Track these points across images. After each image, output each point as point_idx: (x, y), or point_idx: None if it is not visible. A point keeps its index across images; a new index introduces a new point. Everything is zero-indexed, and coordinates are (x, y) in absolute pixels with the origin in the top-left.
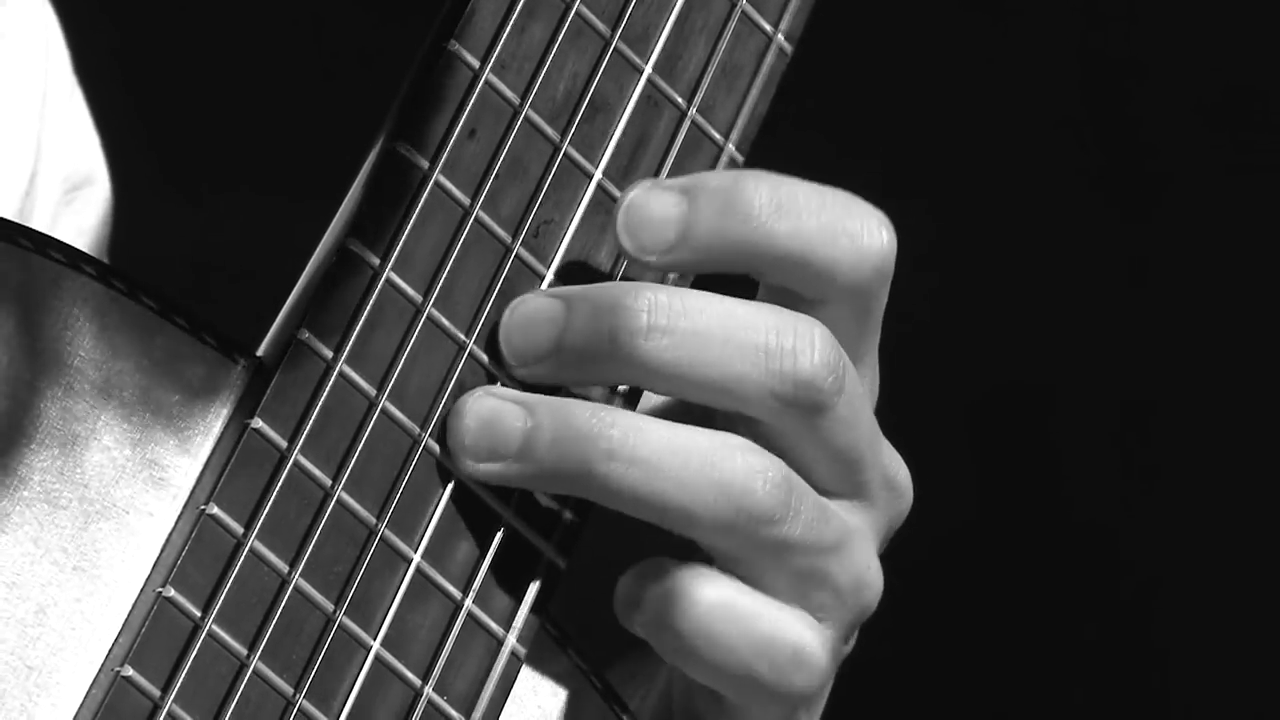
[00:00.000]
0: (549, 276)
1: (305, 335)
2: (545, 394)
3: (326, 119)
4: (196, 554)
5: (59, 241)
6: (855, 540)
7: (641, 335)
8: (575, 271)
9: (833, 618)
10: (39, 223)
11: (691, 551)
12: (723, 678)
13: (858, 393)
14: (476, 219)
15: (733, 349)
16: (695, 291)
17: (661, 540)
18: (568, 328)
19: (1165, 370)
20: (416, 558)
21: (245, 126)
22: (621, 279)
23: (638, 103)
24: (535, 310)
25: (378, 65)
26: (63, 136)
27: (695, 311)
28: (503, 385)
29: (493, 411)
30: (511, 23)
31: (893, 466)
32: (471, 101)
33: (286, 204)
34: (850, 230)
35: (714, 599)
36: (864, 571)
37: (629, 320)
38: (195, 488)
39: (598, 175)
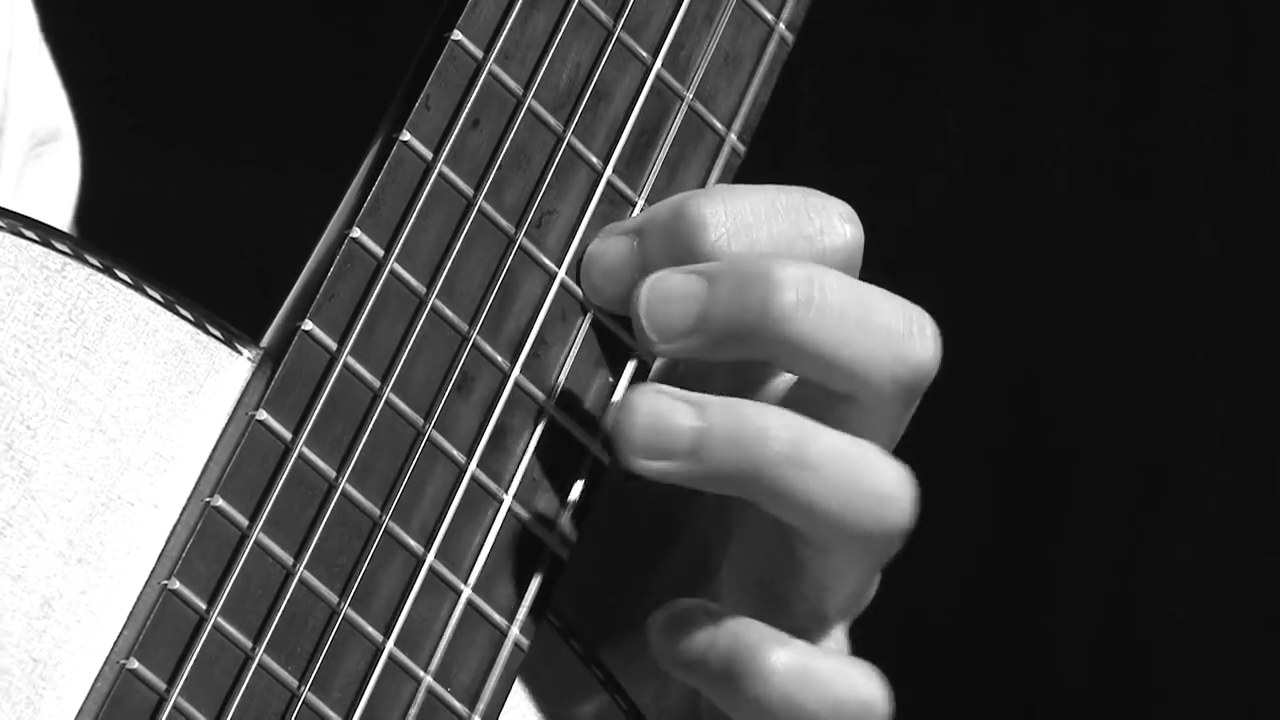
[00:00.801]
0: (556, 267)
1: (309, 326)
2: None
3: (308, 91)
4: (201, 546)
5: (63, 233)
6: None
7: (792, 308)
8: (580, 262)
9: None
10: (4, 177)
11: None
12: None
13: None
14: (480, 209)
15: (868, 329)
16: (828, 268)
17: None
18: (712, 301)
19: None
20: (420, 549)
21: (227, 94)
22: None
23: (640, 92)
24: (677, 287)
25: (374, 42)
26: (30, 90)
27: (834, 288)
28: (512, 375)
29: (666, 411)
30: (515, 12)
31: None
32: (475, 92)
33: (266, 176)
34: (807, 233)
35: (789, 664)
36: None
37: (779, 293)
38: (200, 479)
39: (600, 166)
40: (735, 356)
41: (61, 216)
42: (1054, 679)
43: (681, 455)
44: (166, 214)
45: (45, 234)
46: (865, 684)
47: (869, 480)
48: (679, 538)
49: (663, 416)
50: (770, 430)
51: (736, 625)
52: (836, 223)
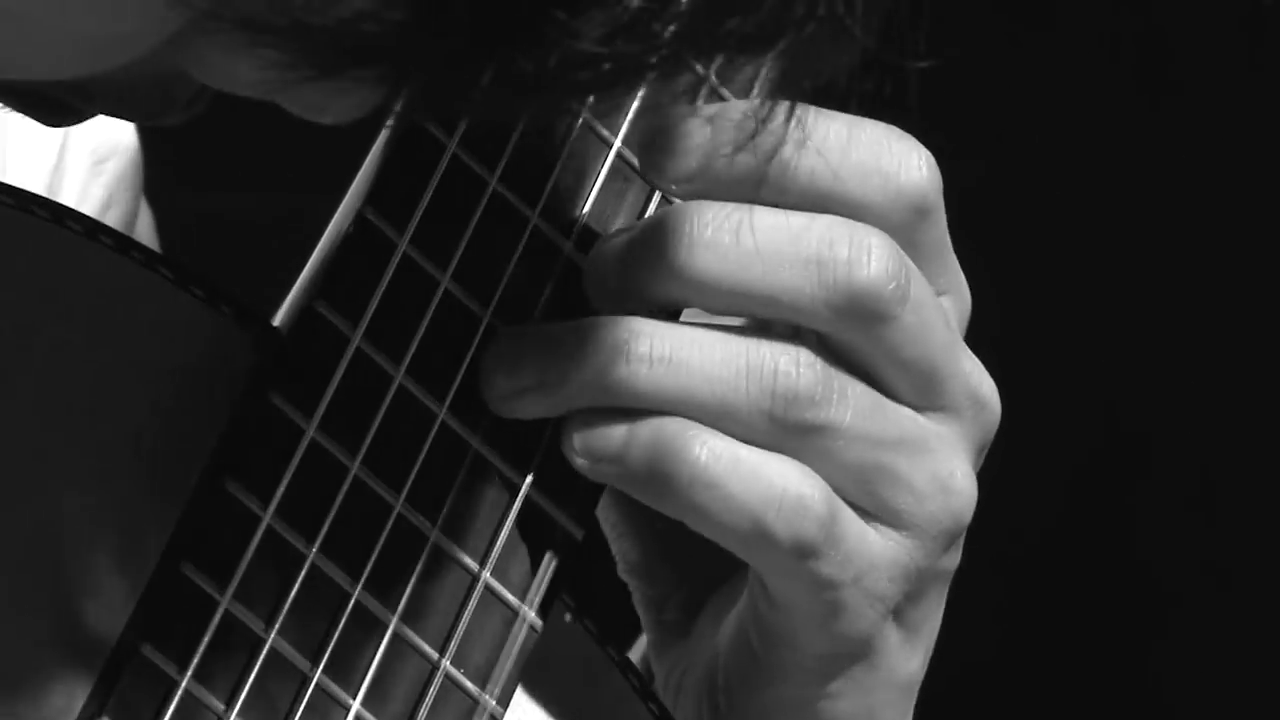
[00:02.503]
0: (569, 248)
1: (323, 307)
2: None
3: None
4: (215, 531)
5: (76, 212)
6: (934, 442)
7: (685, 252)
8: (594, 239)
9: (919, 525)
10: (68, 194)
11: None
12: (727, 531)
13: (927, 301)
14: (494, 189)
15: (782, 261)
16: (744, 205)
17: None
18: (626, 253)
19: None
20: (434, 532)
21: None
22: None
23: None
24: (605, 245)
25: None
26: None
27: (744, 226)
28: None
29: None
30: None
31: (975, 376)
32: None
33: (305, 187)
34: (883, 169)
35: (716, 452)
36: (947, 476)
37: (672, 238)
38: (213, 463)
39: (617, 143)
40: (652, 300)
41: (121, 226)
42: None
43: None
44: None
45: (58, 213)
46: (799, 478)
47: (744, 360)
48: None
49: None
50: (623, 337)
51: (655, 418)
52: (915, 161)
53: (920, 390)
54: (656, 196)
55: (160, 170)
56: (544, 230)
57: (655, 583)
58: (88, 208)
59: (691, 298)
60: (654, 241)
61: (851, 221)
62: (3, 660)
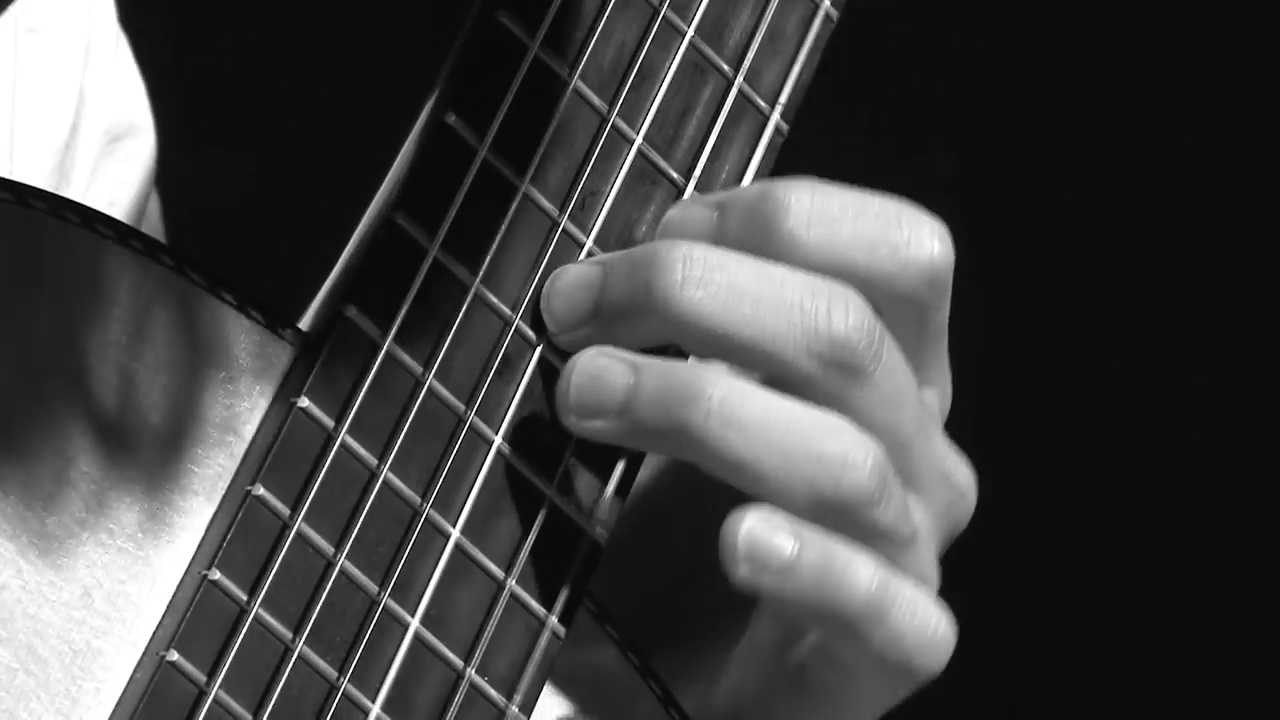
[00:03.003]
0: (590, 247)
1: (352, 312)
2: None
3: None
4: (242, 536)
5: (108, 217)
6: (921, 537)
7: (676, 288)
8: (618, 244)
9: None
10: (79, 175)
11: None
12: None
13: (900, 370)
14: (525, 194)
15: (767, 305)
16: (732, 251)
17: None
18: (606, 287)
19: None
20: (459, 537)
21: (288, 82)
22: None
23: (683, 70)
24: (575, 277)
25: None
26: (106, 86)
27: (732, 266)
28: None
29: (601, 369)
30: None
31: (949, 461)
32: (522, 73)
33: (326, 159)
34: (892, 240)
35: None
36: (927, 571)
37: (665, 273)
38: (241, 467)
39: (641, 144)
40: (639, 340)
41: (133, 210)
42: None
43: (612, 413)
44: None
45: (88, 218)
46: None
47: (815, 445)
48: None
49: (598, 375)
50: (698, 386)
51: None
52: (926, 236)
53: (890, 458)
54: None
55: (178, 156)
56: (570, 233)
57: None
58: (99, 188)
59: (674, 335)
60: (640, 274)
61: (830, 279)
62: None
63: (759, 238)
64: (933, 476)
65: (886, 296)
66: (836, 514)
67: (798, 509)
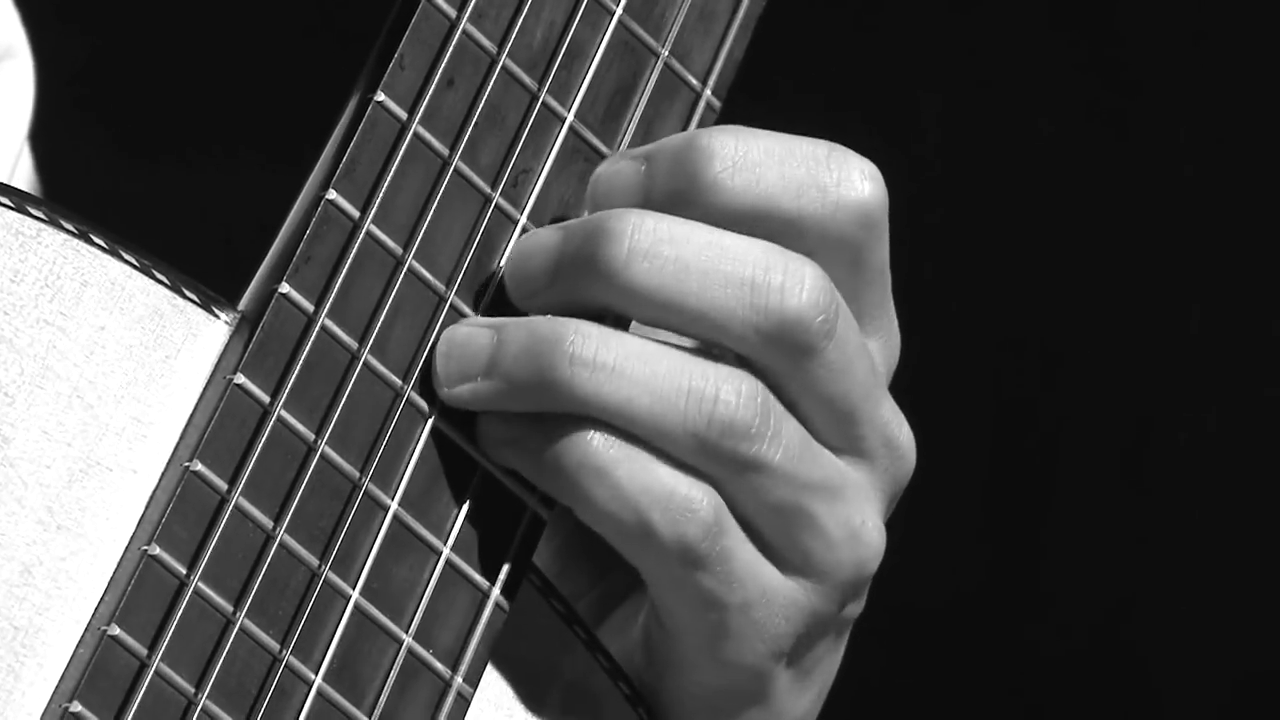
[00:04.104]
0: (524, 223)
1: (286, 289)
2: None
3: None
4: (181, 511)
5: (37, 198)
6: (850, 490)
7: (622, 259)
8: (553, 222)
9: (825, 571)
10: None
11: None
12: (610, 520)
13: (852, 340)
14: (456, 169)
15: (716, 280)
16: (686, 220)
17: None
18: (561, 252)
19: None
20: (398, 509)
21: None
22: None
23: (614, 49)
24: (535, 240)
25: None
26: None
27: (681, 239)
28: None
29: (465, 336)
30: None
31: (893, 425)
32: (449, 51)
33: (221, 171)
34: (821, 182)
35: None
36: (859, 525)
37: (612, 244)
38: (179, 444)
39: (574, 124)
40: (592, 308)
41: (15, 135)
42: (1046, 662)
43: (479, 373)
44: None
45: (20, 200)
46: (689, 483)
47: (686, 380)
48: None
49: (461, 342)
50: (560, 333)
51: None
52: (856, 178)
53: (838, 431)
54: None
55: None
56: (503, 209)
57: (567, 580)
58: None
59: (621, 304)
60: (590, 243)
61: (789, 252)
62: None
63: (685, 186)
64: (876, 441)
65: (818, 240)
66: (718, 452)
67: (680, 450)
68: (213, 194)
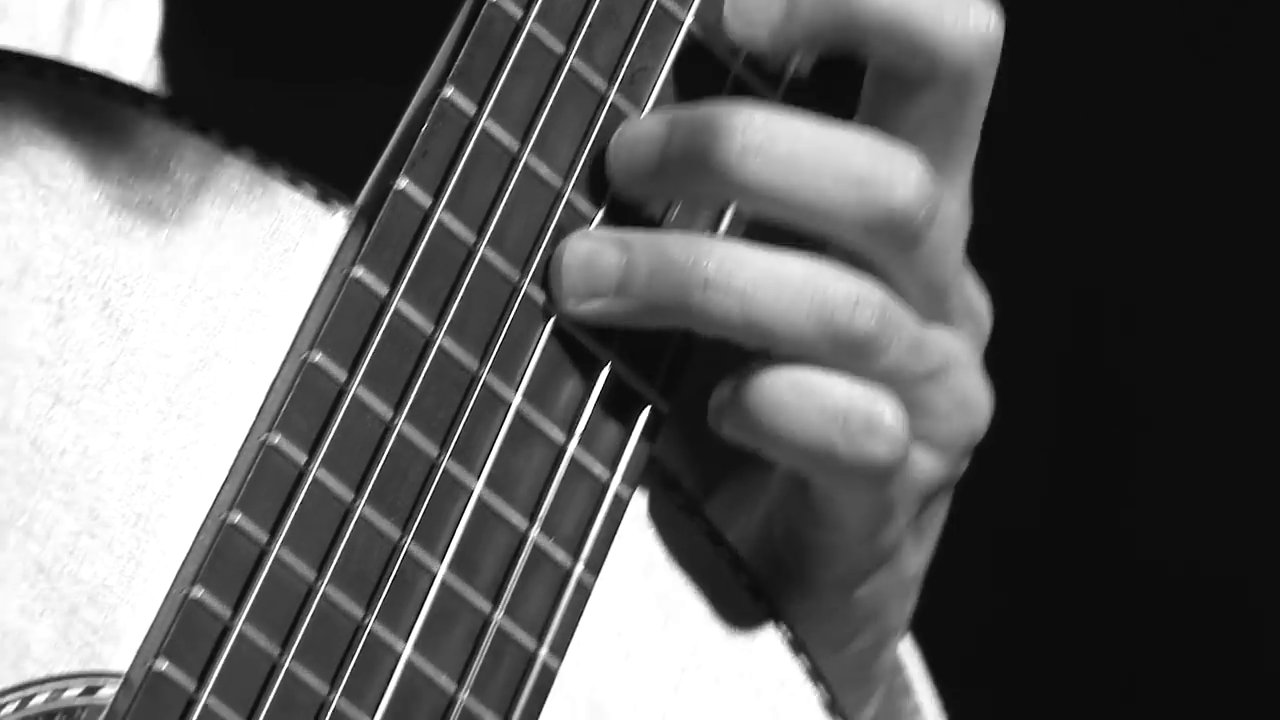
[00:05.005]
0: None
1: (403, 184)
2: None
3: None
4: (301, 401)
5: (155, 95)
6: (955, 366)
7: (736, 153)
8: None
9: (945, 445)
10: (88, 17)
11: None
12: (800, 452)
13: (950, 220)
14: (571, 67)
15: (827, 174)
16: (797, 114)
17: None
18: (668, 145)
19: None
20: (519, 402)
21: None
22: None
23: None
24: (640, 131)
25: None
26: None
27: (791, 134)
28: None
29: (590, 252)
30: None
31: (971, 291)
32: None
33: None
34: (955, 7)
35: (784, 377)
36: (967, 395)
37: (725, 139)
38: (297, 336)
39: (688, 19)
40: (696, 198)
41: (142, 55)
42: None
43: (610, 292)
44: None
45: (138, 96)
46: (870, 397)
47: (811, 298)
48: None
49: (589, 258)
50: (692, 257)
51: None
52: (983, 7)
53: (933, 308)
54: (730, 77)
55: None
56: (620, 106)
57: (668, 462)
58: (105, 33)
59: (731, 196)
60: (701, 138)
61: (894, 142)
62: None
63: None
64: (961, 312)
65: (948, 61)
66: (849, 357)
67: (815, 358)
68: (331, 114)
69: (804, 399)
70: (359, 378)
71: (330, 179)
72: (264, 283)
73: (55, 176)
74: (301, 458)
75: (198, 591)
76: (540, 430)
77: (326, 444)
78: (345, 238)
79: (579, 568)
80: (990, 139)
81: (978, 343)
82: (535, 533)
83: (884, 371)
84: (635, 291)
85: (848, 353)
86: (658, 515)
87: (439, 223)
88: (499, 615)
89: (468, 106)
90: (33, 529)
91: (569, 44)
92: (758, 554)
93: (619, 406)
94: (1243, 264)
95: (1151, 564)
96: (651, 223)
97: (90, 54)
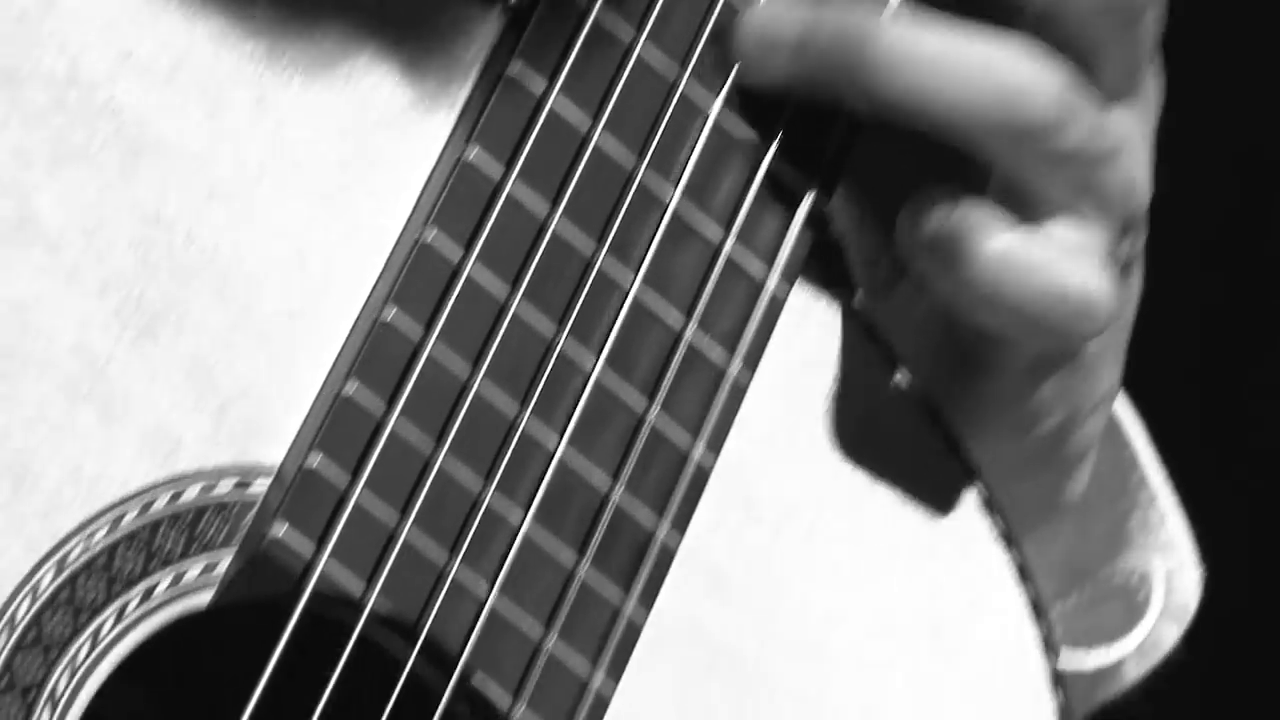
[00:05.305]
0: None
1: None
2: None
3: None
4: (456, 198)
5: None
6: (1127, 147)
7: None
8: None
9: (1099, 223)
10: None
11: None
12: (1008, 327)
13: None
14: None
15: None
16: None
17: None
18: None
19: None
20: (677, 199)
21: None
22: None
23: None
24: (776, 22)
25: None
26: None
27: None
28: None
29: (772, 15)
30: None
31: (1150, 78)
32: None
33: None
34: None
35: (1001, 250)
36: (1134, 178)
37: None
38: (454, 131)
39: None
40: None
41: None
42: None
43: (787, 56)
44: None
45: None
46: (1084, 274)
47: (993, 77)
48: None
49: (770, 20)
50: (873, 28)
51: (960, 203)
52: None
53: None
54: None
55: None
56: None
57: (868, 236)
58: None
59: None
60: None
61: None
62: None
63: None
64: (1145, 88)
65: None
66: (1020, 146)
67: (980, 148)
68: None
69: (1020, 276)
70: (515, 173)
71: None
72: (421, 77)
73: None
74: (458, 254)
75: (351, 387)
76: (697, 227)
77: (482, 241)
78: (501, 36)
79: (735, 366)
80: None
81: (1149, 126)
82: (691, 330)
83: (1063, 154)
84: (812, 56)
85: (1026, 135)
86: (817, 312)
87: (596, 19)
88: (654, 412)
89: None
90: (184, 324)
91: None
92: (927, 347)
93: (777, 203)
94: None
95: None
96: None
97: None
